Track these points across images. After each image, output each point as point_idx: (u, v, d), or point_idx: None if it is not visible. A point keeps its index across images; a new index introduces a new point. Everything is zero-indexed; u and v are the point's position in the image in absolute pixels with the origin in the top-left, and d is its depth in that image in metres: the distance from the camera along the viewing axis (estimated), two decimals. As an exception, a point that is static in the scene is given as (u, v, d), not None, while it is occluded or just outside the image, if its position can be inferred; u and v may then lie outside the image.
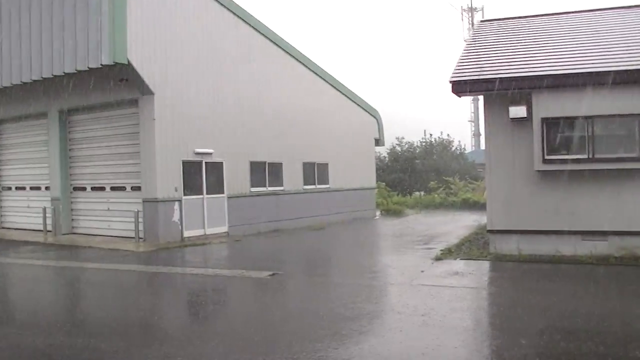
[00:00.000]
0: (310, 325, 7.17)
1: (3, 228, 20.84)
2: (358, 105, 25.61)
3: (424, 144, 42.52)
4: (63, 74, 15.82)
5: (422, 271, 10.76)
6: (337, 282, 10.72)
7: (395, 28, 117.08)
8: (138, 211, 15.91)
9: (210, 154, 17.33)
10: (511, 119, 11.72)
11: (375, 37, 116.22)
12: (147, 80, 15.41)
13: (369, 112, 26.45)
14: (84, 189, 18.18)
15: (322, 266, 13.26)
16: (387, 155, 41.73)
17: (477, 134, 56.32)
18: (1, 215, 21.15)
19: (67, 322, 7.76)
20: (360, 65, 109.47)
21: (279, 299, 9.29)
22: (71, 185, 18.45)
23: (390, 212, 27.73)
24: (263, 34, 19.92)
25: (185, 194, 16.44)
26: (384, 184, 34.65)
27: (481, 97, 14.45)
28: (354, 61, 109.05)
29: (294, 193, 21.26)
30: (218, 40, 18.08)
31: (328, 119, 23.26)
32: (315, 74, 22.79)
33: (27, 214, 19.99)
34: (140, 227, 15.94)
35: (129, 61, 14.85)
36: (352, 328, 6.85)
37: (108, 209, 17.40)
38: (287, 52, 21.19)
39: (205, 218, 17.13)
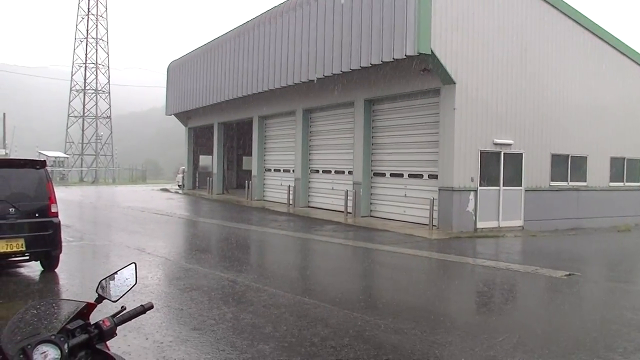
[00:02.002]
0: (606, 334, 6.55)
1: (310, 207, 23.22)
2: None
3: None
4: (369, 65, 16.85)
5: None
6: (643, 291, 9.62)
7: None
8: (433, 199, 16.22)
9: (510, 144, 16.79)
10: None
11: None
12: (449, 70, 15.53)
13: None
14: (383, 174, 19.21)
15: (626, 271, 12.00)
16: None
17: None
18: (309, 195, 23.54)
19: (362, 300, 8.26)
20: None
21: (573, 301, 8.66)
22: (372, 170, 19.65)
23: None
24: (568, 16, 18.57)
25: (481, 185, 16.24)
26: None
27: None
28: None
29: (598, 190, 19.58)
30: (520, 32, 17.42)
31: (643, 108, 20.84)
32: (628, 57, 20.46)
33: (331, 195, 21.94)
34: (434, 215, 16.23)
35: (432, 51, 15.16)
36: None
37: (405, 195, 18.10)
38: (595, 34, 19.44)
39: (500, 210, 16.71)
